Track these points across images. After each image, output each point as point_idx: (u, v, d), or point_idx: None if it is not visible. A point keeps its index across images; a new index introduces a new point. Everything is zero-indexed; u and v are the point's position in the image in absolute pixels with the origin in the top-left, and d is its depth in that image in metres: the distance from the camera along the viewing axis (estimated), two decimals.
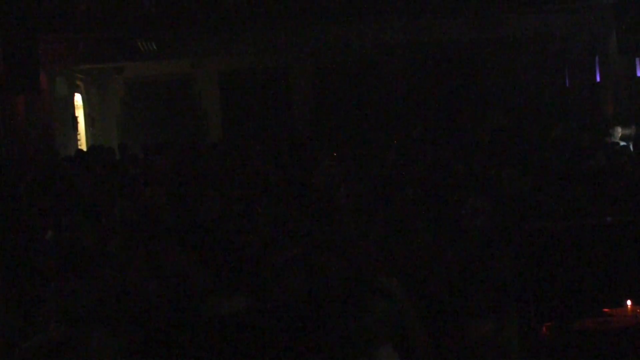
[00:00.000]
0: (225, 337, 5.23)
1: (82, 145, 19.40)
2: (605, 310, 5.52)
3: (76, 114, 19.57)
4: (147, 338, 5.30)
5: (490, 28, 17.44)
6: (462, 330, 5.51)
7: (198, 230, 7.70)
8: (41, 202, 9.83)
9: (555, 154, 12.12)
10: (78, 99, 19.94)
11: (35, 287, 6.40)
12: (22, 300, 6.11)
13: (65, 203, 9.65)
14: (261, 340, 5.21)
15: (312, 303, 5.47)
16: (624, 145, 13.60)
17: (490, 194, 8.32)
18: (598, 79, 18.77)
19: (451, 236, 7.21)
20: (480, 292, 5.99)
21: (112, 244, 7.59)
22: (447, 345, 5.45)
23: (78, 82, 19.89)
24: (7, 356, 5.23)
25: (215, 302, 5.57)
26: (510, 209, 7.68)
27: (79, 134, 19.65)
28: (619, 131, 14.23)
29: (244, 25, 16.83)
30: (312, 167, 12.23)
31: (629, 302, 5.55)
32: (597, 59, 18.70)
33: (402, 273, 6.18)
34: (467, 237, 7.19)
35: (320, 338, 5.13)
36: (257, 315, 5.34)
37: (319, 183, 10.37)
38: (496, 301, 5.81)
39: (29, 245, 7.72)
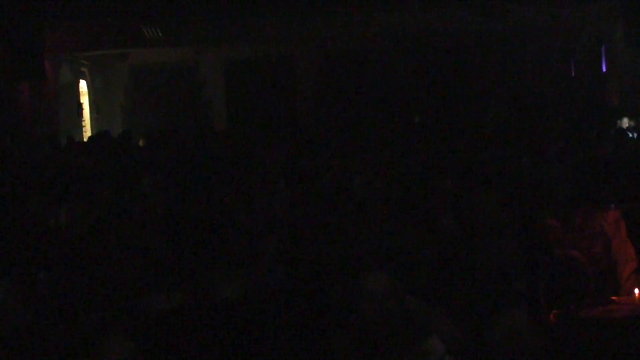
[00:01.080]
0: (211, 326, 5.22)
1: (87, 131, 19.40)
2: (613, 298, 5.51)
3: (81, 101, 19.57)
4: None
5: (497, 18, 17.39)
6: (492, 323, 5.48)
7: (194, 220, 7.71)
8: (43, 189, 9.83)
9: (561, 143, 12.10)
10: (83, 85, 19.94)
11: (36, 274, 6.38)
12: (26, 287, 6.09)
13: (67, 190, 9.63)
14: (249, 331, 5.19)
15: (297, 296, 5.44)
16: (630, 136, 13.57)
17: (499, 185, 8.31)
18: (604, 69, 18.75)
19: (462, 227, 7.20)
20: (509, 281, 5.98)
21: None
22: (476, 339, 5.43)
23: (83, 69, 19.87)
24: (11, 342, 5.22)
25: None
26: (520, 197, 7.67)
27: (84, 121, 19.65)
28: (626, 122, 14.21)
29: (249, 13, 16.79)
30: (318, 157, 12.21)
31: (636, 291, 5.53)
32: (603, 49, 18.66)
33: (419, 264, 6.17)
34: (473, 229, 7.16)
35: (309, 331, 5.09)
36: (243, 305, 5.32)
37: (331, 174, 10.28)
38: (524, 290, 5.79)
39: (32, 232, 7.70)
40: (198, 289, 5.71)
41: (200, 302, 5.47)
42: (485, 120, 16.57)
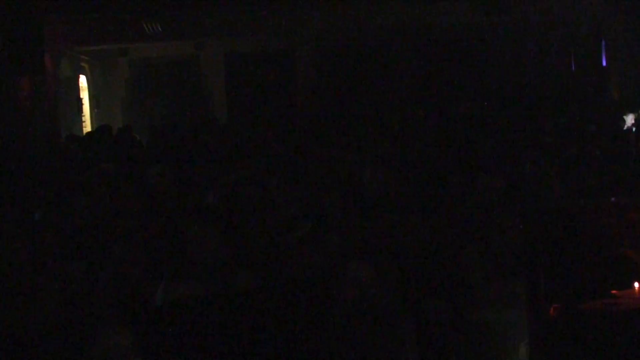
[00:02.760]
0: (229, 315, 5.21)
1: (87, 127, 19.39)
2: (613, 292, 5.50)
3: (81, 96, 19.55)
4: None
5: (497, 12, 17.37)
6: (464, 319, 5.48)
7: (206, 211, 7.71)
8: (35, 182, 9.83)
9: (562, 137, 12.12)
10: (83, 80, 19.93)
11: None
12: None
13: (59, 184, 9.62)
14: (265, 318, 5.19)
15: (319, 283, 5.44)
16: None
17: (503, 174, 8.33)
18: (604, 63, 18.73)
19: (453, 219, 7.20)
20: (483, 278, 5.98)
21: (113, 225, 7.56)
22: (450, 336, 5.44)
23: (83, 64, 19.86)
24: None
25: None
26: (519, 189, 7.69)
27: (84, 116, 19.64)
28: (631, 118, 14.12)
29: (249, 7, 16.78)
30: (319, 150, 12.20)
31: (636, 284, 5.52)
32: (603, 43, 18.65)
33: (401, 258, 6.19)
34: (472, 219, 7.16)
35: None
36: (264, 293, 5.32)
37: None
38: (500, 287, 5.79)
39: (23, 225, 7.69)
40: (209, 280, 5.72)
41: (211, 292, 5.47)
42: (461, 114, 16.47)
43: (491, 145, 11.53)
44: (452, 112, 17.34)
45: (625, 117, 14.23)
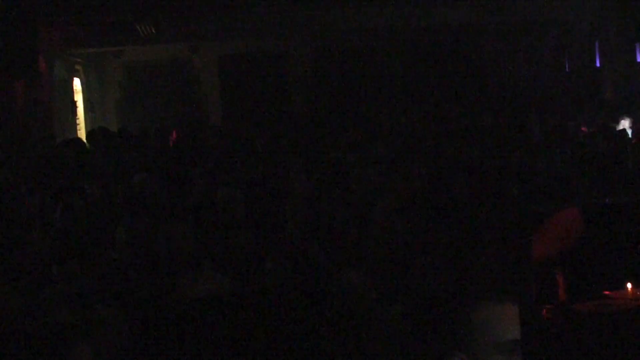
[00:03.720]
0: (207, 318, 5.22)
1: (81, 129, 19.35)
2: (606, 292, 5.52)
3: (75, 99, 19.53)
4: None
5: (490, 12, 17.42)
6: (458, 315, 5.46)
7: (193, 212, 7.72)
8: (37, 185, 9.81)
9: (555, 138, 12.12)
10: (77, 83, 19.90)
11: (35, 270, 6.37)
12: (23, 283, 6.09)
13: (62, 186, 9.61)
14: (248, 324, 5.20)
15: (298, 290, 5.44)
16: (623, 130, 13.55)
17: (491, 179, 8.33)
18: (598, 64, 18.75)
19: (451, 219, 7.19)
20: (478, 275, 5.97)
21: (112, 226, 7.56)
22: (441, 331, 5.44)
23: (77, 67, 19.84)
24: (10, 339, 5.21)
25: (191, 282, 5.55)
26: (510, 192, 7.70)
27: (78, 119, 19.61)
28: (629, 121, 14.05)
29: (243, 9, 16.78)
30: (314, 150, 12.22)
31: (629, 285, 5.54)
32: (597, 44, 18.67)
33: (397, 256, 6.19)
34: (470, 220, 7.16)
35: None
36: (242, 298, 5.33)
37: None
38: (496, 283, 5.79)
39: (27, 229, 7.68)
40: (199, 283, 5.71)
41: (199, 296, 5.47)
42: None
43: (485, 145, 11.55)
44: (446, 113, 17.36)
45: (623, 120, 14.18)
